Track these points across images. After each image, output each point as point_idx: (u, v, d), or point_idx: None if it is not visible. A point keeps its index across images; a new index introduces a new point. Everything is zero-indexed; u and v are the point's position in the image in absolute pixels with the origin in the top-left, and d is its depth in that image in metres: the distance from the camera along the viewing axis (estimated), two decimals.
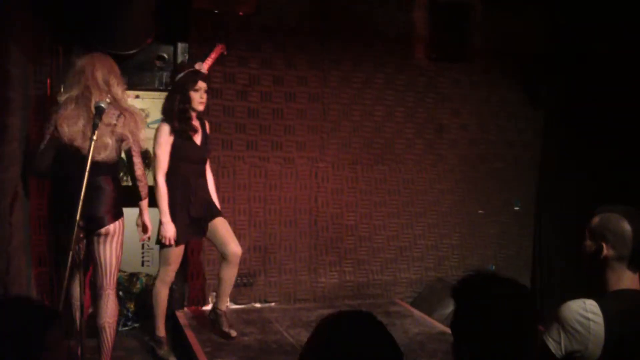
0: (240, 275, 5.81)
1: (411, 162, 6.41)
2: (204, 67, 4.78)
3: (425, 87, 6.47)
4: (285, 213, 5.96)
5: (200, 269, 5.84)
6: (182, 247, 4.72)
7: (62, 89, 4.38)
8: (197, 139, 4.73)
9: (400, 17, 6.23)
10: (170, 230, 4.54)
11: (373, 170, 6.31)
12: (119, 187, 4.37)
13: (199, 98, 4.63)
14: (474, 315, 2.10)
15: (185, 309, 5.70)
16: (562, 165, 6.45)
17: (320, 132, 6.09)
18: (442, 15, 6.25)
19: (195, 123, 4.72)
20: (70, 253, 3.46)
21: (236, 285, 5.80)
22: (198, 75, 4.66)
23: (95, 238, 4.23)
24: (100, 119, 3.77)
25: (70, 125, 4.12)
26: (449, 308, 5.26)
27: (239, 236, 5.72)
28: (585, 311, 2.49)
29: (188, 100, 4.61)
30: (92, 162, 3.67)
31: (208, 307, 5.75)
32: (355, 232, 6.26)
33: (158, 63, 5.57)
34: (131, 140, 4.22)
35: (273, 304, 5.86)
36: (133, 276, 5.87)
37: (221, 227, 4.79)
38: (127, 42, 5.26)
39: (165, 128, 4.58)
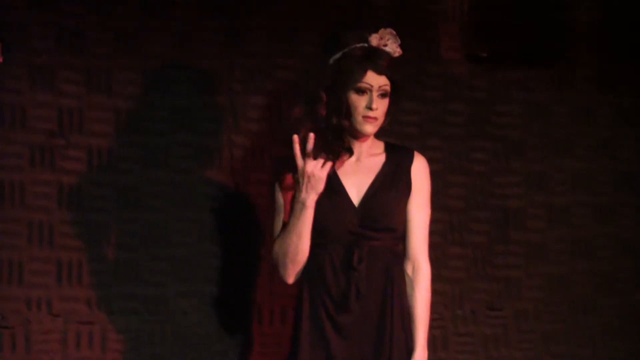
0: None
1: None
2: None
3: (466, 117, 3.89)
4: None
5: None
6: None
7: None
8: (353, 186, 2.68)
9: None
10: None
11: None
12: None
13: (363, 108, 2.57)
14: None
15: None
16: None
17: None
18: None
19: (353, 159, 2.66)
20: None
21: None
22: (370, 58, 2.56)
23: None
24: None
25: None
26: None
27: None
28: None
29: (345, 111, 2.59)
30: None
31: None
32: None
33: None
34: None
35: None
36: None
37: None
38: None
39: (282, 178, 2.73)
